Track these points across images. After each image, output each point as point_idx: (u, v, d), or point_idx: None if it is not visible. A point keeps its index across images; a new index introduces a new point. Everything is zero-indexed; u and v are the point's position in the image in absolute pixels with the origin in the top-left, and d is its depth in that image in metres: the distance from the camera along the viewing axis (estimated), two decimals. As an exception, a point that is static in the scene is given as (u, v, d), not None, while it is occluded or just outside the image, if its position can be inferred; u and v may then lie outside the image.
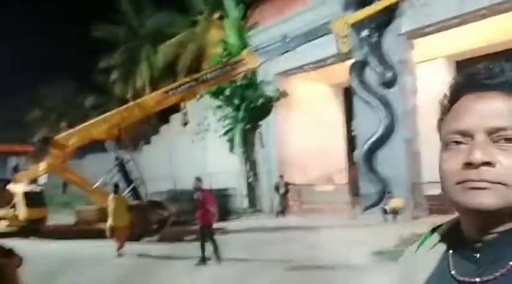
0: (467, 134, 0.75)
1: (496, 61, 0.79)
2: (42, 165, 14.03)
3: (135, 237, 12.09)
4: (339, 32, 12.01)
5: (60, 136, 14.40)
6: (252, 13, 18.78)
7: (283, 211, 16.48)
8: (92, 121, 14.79)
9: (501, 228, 0.76)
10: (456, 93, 0.80)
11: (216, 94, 18.42)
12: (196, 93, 14.28)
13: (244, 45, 17.59)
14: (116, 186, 11.42)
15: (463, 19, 12.13)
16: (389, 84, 13.32)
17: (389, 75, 13.24)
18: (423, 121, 13.04)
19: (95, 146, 20.62)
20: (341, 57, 15.26)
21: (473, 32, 12.87)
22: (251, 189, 18.73)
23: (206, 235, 8.89)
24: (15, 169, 15.54)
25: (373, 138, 13.57)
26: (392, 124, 13.31)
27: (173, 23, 25.66)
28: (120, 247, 10.19)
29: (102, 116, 14.57)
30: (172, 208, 13.72)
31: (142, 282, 7.54)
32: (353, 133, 15.60)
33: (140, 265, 8.95)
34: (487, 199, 0.72)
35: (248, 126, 18.54)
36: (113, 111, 14.48)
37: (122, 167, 13.75)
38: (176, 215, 14.35)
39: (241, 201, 18.49)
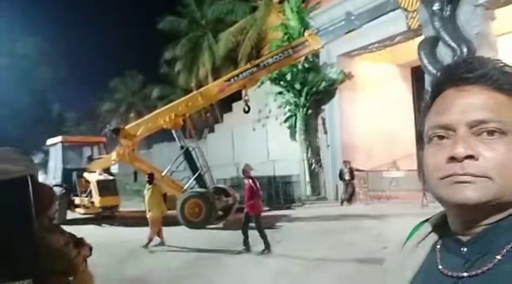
0: (450, 128, 0.76)
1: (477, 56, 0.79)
2: (114, 155, 14.70)
3: (202, 224, 12.33)
4: (407, 6, 11.16)
5: (129, 127, 14.96)
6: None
7: (349, 198, 15.95)
8: (158, 111, 15.20)
9: (487, 221, 0.76)
10: (437, 88, 0.81)
11: (276, 80, 18.16)
12: (257, 79, 14.06)
13: (305, 27, 17.09)
14: (150, 176, 10.60)
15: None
16: (465, 61, 12.21)
17: (466, 50, 12.12)
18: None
19: (162, 136, 21.36)
20: (409, 34, 14.30)
21: None
22: (314, 175, 18.34)
23: (255, 224, 8.58)
24: (90, 159, 16.45)
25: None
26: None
27: (233, 10, 25.66)
28: (150, 240, 9.67)
29: (167, 106, 14.91)
30: (237, 195, 13.75)
31: (205, 272, 7.54)
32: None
33: (203, 255, 8.99)
34: (472, 193, 0.72)
35: (310, 112, 18.11)
36: (178, 101, 14.75)
37: (187, 155, 14.00)
38: (240, 202, 14.42)
39: (304, 188, 18.19)
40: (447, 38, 12.53)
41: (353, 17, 12.70)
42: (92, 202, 14.60)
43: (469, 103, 0.75)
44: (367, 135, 16.75)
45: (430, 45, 13.02)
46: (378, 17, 12.50)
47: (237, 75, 13.53)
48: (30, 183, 1.49)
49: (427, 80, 13.60)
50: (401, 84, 18.75)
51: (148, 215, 9.92)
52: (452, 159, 0.73)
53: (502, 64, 0.78)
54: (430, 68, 13.20)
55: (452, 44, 12.33)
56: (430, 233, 0.86)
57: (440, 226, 0.85)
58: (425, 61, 13.23)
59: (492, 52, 12.42)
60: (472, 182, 0.72)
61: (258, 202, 8.85)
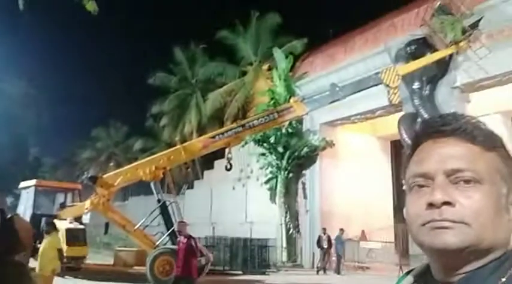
0: (428, 177, 0.79)
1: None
2: (87, 203, 14.28)
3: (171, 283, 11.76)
4: (390, 83, 11.77)
5: (107, 176, 14.70)
6: (300, 64, 19.04)
7: (325, 267, 15.58)
8: (139, 162, 15.07)
9: (467, 268, 0.77)
10: (417, 141, 0.85)
11: (260, 141, 18.43)
12: (242, 139, 14.27)
13: (291, 94, 17.71)
14: (49, 225, 9.40)
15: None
16: (442, 138, 12.72)
17: (442, 128, 12.66)
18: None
19: (139, 189, 20.99)
20: (390, 109, 14.93)
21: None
22: (292, 241, 18.03)
23: None
24: (62, 206, 15.92)
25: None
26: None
27: (223, 72, 26.59)
28: None
29: (149, 158, 14.81)
30: (210, 256, 13.32)
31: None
32: (402, 188, 14.86)
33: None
34: (451, 238, 0.75)
35: (291, 175, 18.23)
36: (160, 154, 14.69)
37: (163, 210, 13.68)
38: (213, 264, 13.93)
39: (280, 254, 17.77)
40: (425, 115, 13.11)
41: (337, 89, 13.22)
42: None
43: (446, 154, 0.80)
44: (346, 204, 16.79)
45: (410, 121, 13.57)
46: (361, 91, 13.07)
47: (223, 133, 13.69)
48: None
49: (406, 154, 14.00)
50: (381, 156, 19.21)
51: (39, 272, 8.31)
52: (431, 205, 0.77)
53: (475, 119, 0.84)
54: (408, 142, 13.64)
55: (430, 121, 12.88)
56: (414, 283, 0.88)
57: (424, 275, 0.86)
58: (405, 135, 13.72)
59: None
60: (450, 228, 0.75)
61: (192, 264, 8.17)
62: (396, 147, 17.10)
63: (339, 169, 17.42)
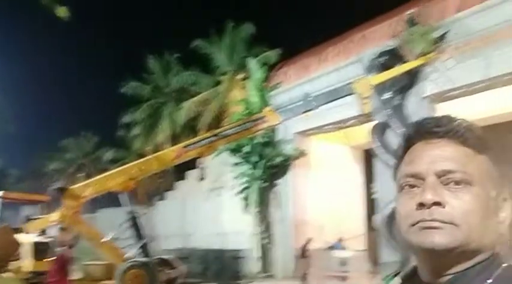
0: (419, 177, 0.80)
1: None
2: (55, 216, 13.75)
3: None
4: (362, 92, 11.95)
5: (75, 187, 14.24)
6: (274, 74, 19.13)
7: (301, 276, 15.48)
8: (109, 172, 14.68)
9: (455, 269, 0.78)
10: (409, 142, 0.86)
11: (234, 151, 18.32)
12: (215, 148, 14.13)
13: (265, 104, 17.74)
14: None
15: (487, 84, 11.97)
16: (412, 147, 12.97)
17: (412, 137, 12.92)
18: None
19: (109, 200, 20.44)
20: (362, 118, 15.13)
21: (497, 98, 12.64)
22: (265, 251, 17.90)
23: None
24: (27, 219, 15.29)
25: (395, 202, 12.96)
26: (416, 188, 12.76)
27: (197, 82, 26.43)
28: None
29: (119, 168, 14.47)
30: (183, 268, 13.04)
31: None
32: (373, 197, 15.03)
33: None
34: (440, 238, 0.75)
35: (265, 185, 18.17)
36: (131, 164, 14.37)
37: (134, 222, 13.34)
38: (185, 276, 13.64)
39: (253, 264, 17.61)
40: (396, 125, 13.36)
41: (311, 98, 13.35)
42: (20, 267, 13.27)
43: (437, 155, 0.80)
44: (319, 213, 16.86)
45: (381, 130, 13.80)
46: (334, 100, 13.22)
47: (196, 143, 13.53)
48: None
49: (377, 162, 14.19)
50: (353, 165, 19.42)
51: None
52: (421, 205, 0.78)
53: (467, 122, 0.85)
54: (380, 151, 13.87)
55: (400, 131, 13.12)
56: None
57: (411, 277, 0.87)
58: (376, 144, 13.92)
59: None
60: (439, 228, 0.76)
61: (65, 279, 7.63)
62: (368, 156, 17.30)
63: (312, 178, 17.50)
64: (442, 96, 13.03)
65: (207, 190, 20.40)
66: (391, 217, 13.06)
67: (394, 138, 13.37)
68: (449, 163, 0.79)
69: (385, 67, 13.17)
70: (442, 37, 12.02)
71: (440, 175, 0.79)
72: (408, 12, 12.35)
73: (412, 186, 0.81)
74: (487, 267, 0.78)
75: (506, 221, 0.82)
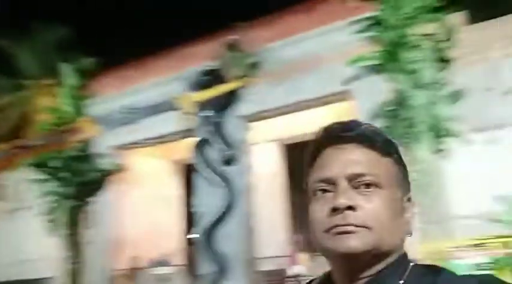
0: (331, 182, 0.81)
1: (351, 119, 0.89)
2: None
3: None
4: (185, 108, 12.22)
5: None
6: (92, 83, 17.85)
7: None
8: None
9: (370, 272, 0.80)
10: (318, 147, 0.87)
11: (39, 166, 16.20)
12: (17, 163, 12.30)
13: (80, 114, 16.36)
14: None
15: (292, 108, 13.73)
16: (229, 162, 13.83)
17: (229, 153, 13.80)
18: (258, 198, 13.92)
19: None
20: (183, 134, 15.40)
21: (300, 120, 14.58)
22: (75, 277, 16.25)
23: None
24: None
25: (214, 215, 13.56)
26: (232, 201, 13.60)
27: (-6, 85, 22.60)
28: None
29: None
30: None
31: None
32: (193, 211, 15.37)
33: None
34: (354, 242, 0.76)
35: (77, 204, 16.57)
36: None
37: None
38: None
39: (61, 292, 15.79)
40: (216, 141, 14.07)
41: (132, 111, 12.99)
42: None
43: (347, 159, 0.82)
44: (138, 230, 16.27)
45: (202, 146, 14.32)
46: (156, 114, 13.15)
47: (-9, 156, 11.54)
48: None
49: (197, 178, 14.61)
50: (174, 179, 19.48)
51: None
52: (335, 210, 0.78)
53: (373, 126, 0.88)
54: (200, 166, 14.35)
55: (220, 147, 13.90)
56: None
57: (325, 283, 0.87)
58: (197, 160, 14.37)
59: (248, 157, 14.53)
60: (353, 232, 0.77)
61: None
62: (189, 171, 17.64)
63: (131, 195, 16.85)
64: (255, 117, 14.33)
65: (7, 211, 17.51)
66: (210, 230, 13.58)
67: (215, 154, 14.06)
68: (359, 166, 0.80)
69: (206, 86, 13.82)
70: (257, 63, 13.32)
71: (351, 179, 0.80)
72: (229, 37, 13.30)
73: (324, 191, 0.82)
74: (398, 268, 0.80)
75: (411, 221, 0.84)
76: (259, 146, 16.00)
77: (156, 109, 14.06)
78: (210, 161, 14.11)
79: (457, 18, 10.00)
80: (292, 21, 13.31)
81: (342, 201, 0.78)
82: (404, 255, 0.84)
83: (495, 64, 9.36)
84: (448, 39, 8.85)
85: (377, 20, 10.08)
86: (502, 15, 9.96)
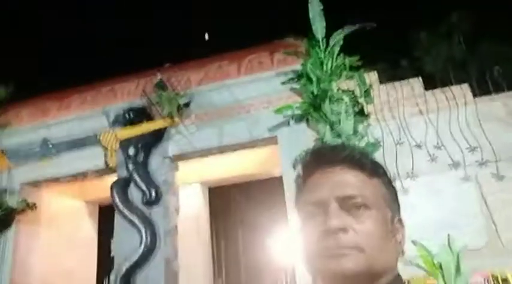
0: (321, 204, 0.82)
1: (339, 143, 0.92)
2: None
3: None
4: (107, 145, 11.74)
5: None
6: (3, 113, 16.53)
7: None
8: None
9: None
10: (307, 171, 0.89)
11: None
12: None
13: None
14: None
15: (220, 150, 13.78)
16: (152, 203, 13.35)
17: (153, 194, 13.36)
18: (181, 241, 13.47)
19: None
20: (102, 172, 14.69)
21: (227, 162, 14.68)
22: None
23: None
24: None
25: (133, 258, 12.82)
26: (154, 243, 13.02)
27: None
28: None
29: None
30: None
31: None
32: (111, 254, 14.44)
33: None
34: (347, 264, 0.76)
35: (-26, 245, 14.80)
36: None
37: None
38: None
39: None
40: (138, 181, 13.58)
41: (48, 145, 12.19)
42: None
43: (337, 181, 0.83)
44: (46, 273, 14.84)
45: (123, 185, 13.69)
46: (76, 150, 12.45)
47: None
48: None
49: (116, 219, 13.85)
50: (88, 221, 18.27)
51: None
52: (326, 232, 0.79)
53: (360, 149, 0.90)
54: (121, 206, 13.66)
55: (143, 187, 13.42)
56: None
57: None
58: (117, 200, 13.66)
59: (175, 197, 14.17)
60: (346, 254, 0.77)
61: None
62: (105, 211, 16.71)
63: (40, 236, 15.44)
64: (182, 157, 14.15)
65: None
66: (129, 275, 12.78)
67: (136, 195, 13.51)
68: (349, 188, 0.81)
69: (131, 123, 13.47)
70: (186, 104, 13.33)
71: (342, 200, 0.81)
72: (158, 76, 13.24)
73: (315, 214, 0.82)
74: None
75: (402, 242, 0.85)
76: (184, 187, 15.73)
77: (77, 144, 13.35)
78: (131, 202, 13.53)
79: (373, 77, 11.06)
80: (223, 67, 13.69)
81: (334, 223, 0.78)
82: (398, 276, 0.83)
83: (404, 121, 10.37)
84: (365, 96, 9.64)
85: (302, 73, 10.74)
86: (411, 77, 11.23)
